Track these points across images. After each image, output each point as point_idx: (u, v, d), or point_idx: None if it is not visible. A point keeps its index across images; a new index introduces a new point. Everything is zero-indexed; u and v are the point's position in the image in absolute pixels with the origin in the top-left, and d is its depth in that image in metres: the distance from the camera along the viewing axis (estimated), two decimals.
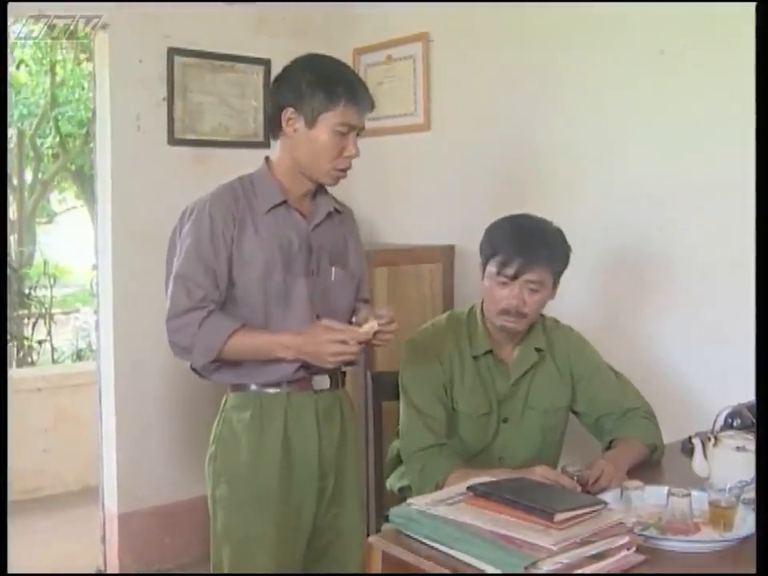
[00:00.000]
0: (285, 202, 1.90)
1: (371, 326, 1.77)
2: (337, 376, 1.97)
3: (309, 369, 1.88)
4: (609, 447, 1.94)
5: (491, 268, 1.94)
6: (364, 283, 2.11)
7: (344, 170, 1.89)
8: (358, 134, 1.87)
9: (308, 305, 1.89)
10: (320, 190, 1.97)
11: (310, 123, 1.82)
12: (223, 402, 1.96)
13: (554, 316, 2.14)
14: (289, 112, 1.84)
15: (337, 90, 1.81)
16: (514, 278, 1.90)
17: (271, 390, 1.89)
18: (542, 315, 2.06)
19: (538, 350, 2.03)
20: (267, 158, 1.96)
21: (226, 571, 1.91)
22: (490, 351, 2.01)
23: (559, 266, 1.97)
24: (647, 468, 1.89)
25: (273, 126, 1.91)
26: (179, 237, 1.90)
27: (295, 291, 1.88)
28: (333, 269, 1.95)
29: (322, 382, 1.93)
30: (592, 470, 1.73)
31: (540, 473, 1.69)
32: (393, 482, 2.13)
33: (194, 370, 1.93)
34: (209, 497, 1.94)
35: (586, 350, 2.10)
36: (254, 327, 1.85)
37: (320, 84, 1.81)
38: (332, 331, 1.77)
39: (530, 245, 1.90)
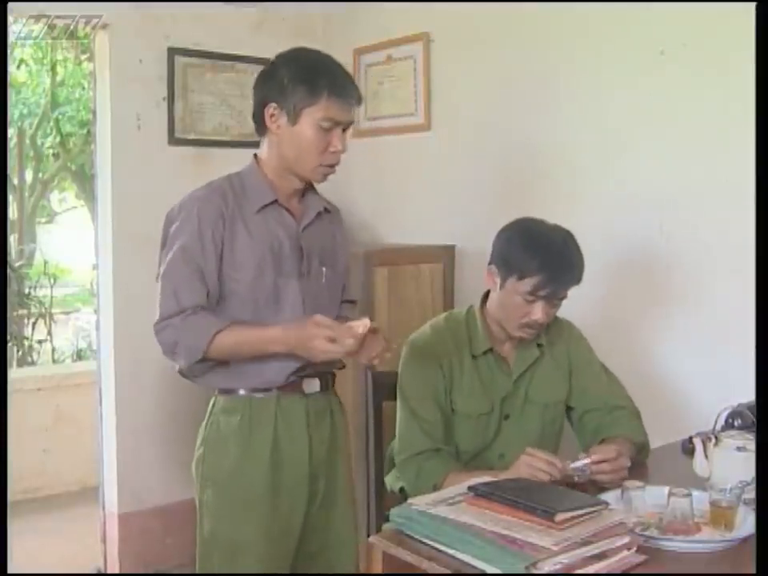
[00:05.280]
0: (275, 201, 1.85)
1: (364, 323, 1.72)
2: (327, 378, 1.94)
3: (299, 373, 1.85)
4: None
5: (522, 286, 1.88)
6: (347, 283, 2.07)
7: (331, 166, 1.83)
8: (344, 130, 1.82)
9: (300, 307, 1.84)
10: (309, 188, 1.93)
11: (293, 119, 1.78)
12: (211, 404, 1.91)
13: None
14: (271, 108, 1.80)
15: (319, 84, 1.76)
16: (546, 297, 1.89)
17: (261, 395, 1.85)
18: None
19: (539, 345, 2.03)
20: (256, 156, 1.91)
21: None
22: (491, 350, 2.01)
23: None
24: (647, 468, 1.89)
25: (258, 123, 1.86)
26: (168, 236, 1.84)
27: (287, 293, 1.84)
28: (323, 270, 1.91)
29: (312, 385, 1.89)
30: (602, 449, 1.74)
31: (525, 461, 1.71)
32: (392, 482, 2.13)
33: (182, 374, 1.87)
34: (197, 500, 1.90)
35: (582, 344, 2.11)
36: (241, 324, 1.79)
37: (302, 78, 1.76)
38: (321, 327, 1.71)
39: (566, 268, 1.88)
